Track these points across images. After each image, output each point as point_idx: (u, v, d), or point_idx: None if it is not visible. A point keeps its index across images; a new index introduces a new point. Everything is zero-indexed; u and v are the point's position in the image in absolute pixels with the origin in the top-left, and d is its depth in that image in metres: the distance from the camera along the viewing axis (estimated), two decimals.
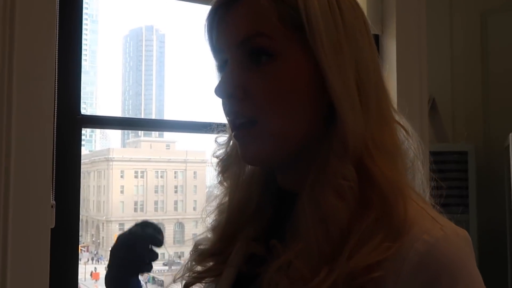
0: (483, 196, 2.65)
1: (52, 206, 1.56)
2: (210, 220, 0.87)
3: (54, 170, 1.57)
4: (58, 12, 1.57)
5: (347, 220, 0.65)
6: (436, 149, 2.50)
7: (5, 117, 1.46)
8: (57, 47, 1.57)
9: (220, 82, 0.72)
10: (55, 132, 1.56)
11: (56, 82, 1.56)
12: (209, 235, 0.86)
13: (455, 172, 2.63)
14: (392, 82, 2.14)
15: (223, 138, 0.85)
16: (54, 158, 1.56)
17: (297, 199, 0.70)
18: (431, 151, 2.28)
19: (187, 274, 0.84)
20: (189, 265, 0.84)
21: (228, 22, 0.72)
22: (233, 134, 0.74)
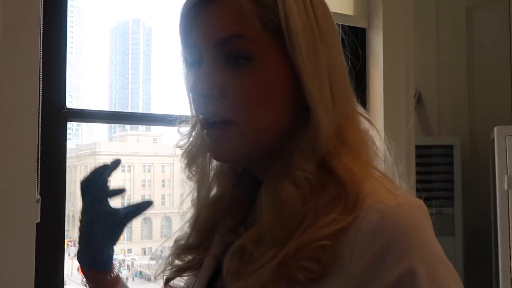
0: (469, 189, 2.68)
1: (37, 201, 1.55)
2: (189, 215, 0.87)
3: (39, 164, 1.56)
4: (42, 4, 1.56)
5: (302, 207, 0.67)
6: (422, 143, 2.52)
7: None
8: (41, 40, 1.55)
9: (196, 80, 0.72)
10: (40, 126, 1.55)
11: (41, 76, 1.55)
12: (188, 230, 0.86)
13: (441, 165, 2.65)
14: (379, 76, 2.15)
15: (185, 128, 0.85)
16: (39, 152, 1.55)
17: None
18: (417, 145, 2.32)
19: (168, 269, 0.85)
20: (169, 260, 0.85)
21: (206, 19, 0.72)
22: (204, 131, 0.74)
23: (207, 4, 0.71)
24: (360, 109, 0.80)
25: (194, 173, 0.84)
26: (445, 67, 2.81)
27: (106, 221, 0.91)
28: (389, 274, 0.61)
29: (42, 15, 1.55)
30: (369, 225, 0.63)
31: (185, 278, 0.86)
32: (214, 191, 0.85)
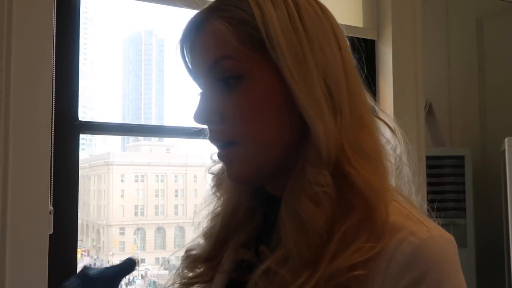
0: (480, 199, 2.67)
1: (50, 212, 1.57)
2: (203, 226, 0.88)
3: (52, 176, 1.58)
4: (55, 17, 1.59)
5: (326, 224, 0.66)
6: (433, 154, 2.52)
7: (2, 123, 1.47)
8: (54, 52, 1.58)
9: (196, 108, 0.74)
10: (53, 138, 1.57)
11: (54, 89, 1.58)
12: (201, 242, 0.87)
13: (452, 176, 2.64)
14: (389, 87, 2.16)
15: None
16: (52, 164, 1.58)
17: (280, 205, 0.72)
18: (428, 156, 2.32)
19: (178, 281, 0.85)
20: (180, 271, 0.86)
21: (196, 51, 0.74)
22: (217, 154, 0.76)
23: (194, 37, 0.74)
24: (382, 115, 0.78)
25: (221, 193, 0.86)
26: (456, 77, 2.81)
27: None
28: None
29: (55, 27, 1.58)
30: (402, 257, 0.63)
31: None
32: (228, 205, 0.85)
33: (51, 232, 1.57)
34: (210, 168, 0.87)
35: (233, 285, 0.78)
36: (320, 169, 0.68)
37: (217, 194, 0.86)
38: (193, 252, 0.86)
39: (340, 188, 0.68)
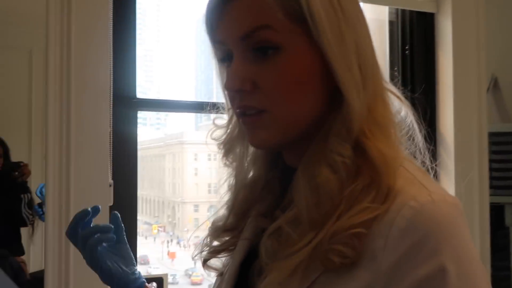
0: None
1: (110, 185, 1.65)
2: (226, 199, 0.91)
3: (111, 151, 1.66)
4: None
5: (338, 190, 0.68)
6: (498, 130, 2.43)
7: (64, 102, 1.56)
8: (111, 33, 1.65)
9: (228, 76, 0.74)
10: (111, 115, 1.65)
11: (112, 68, 1.65)
12: (224, 213, 0.90)
13: None
14: (448, 62, 2.10)
15: (221, 119, 0.88)
16: (111, 139, 1.66)
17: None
18: (492, 132, 2.24)
19: (205, 250, 0.89)
20: (206, 241, 0.89)
21: (231, 15, 0.73)
22: (241, 120, 0.77)
23: (229, 2, 0.73)
24: (389, 86, 0.80)
25: (231, 161, 0.87)
26: None
27: (111, 254, 0.98)
28: (419, 271, 0.62)
29: (112, 6, 1.65)
30: (402, 221, 0.64)
31: (223, 259, 0.90)
32: (249, 176, 0.88)
33: (111, 204, 1.65)
34: (212, 133, 0.88)
35: (255, 251, 0.81)
36: (344, 142, 0.71)
37: (230, 165, 0.88)
38: (218, 223, 0.89)
39: (355, 157, 0.70)
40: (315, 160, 0.71)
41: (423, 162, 0.82)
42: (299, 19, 0.71)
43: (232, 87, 0.73)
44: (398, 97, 0.80)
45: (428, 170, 0.80)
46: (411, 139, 0.81)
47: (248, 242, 0.84)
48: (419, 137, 0.81)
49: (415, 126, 0.81)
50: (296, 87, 0.72)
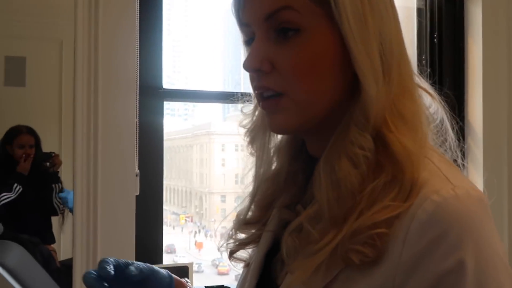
0: None
1: (136, 175, 1.67)
2: (249, 190, 0.90)
3: (138, 141, 1.67)
4: None
5: (360, 185, 0.67)
6: None
7: (92, 93, 1.58)
8: (138, 23, 1.66)
9: (248, 56, 0.73)
10: (138, 105, 1.66)
11: (139, 59, 1.66)
12: (247, 205, 0.89)
13: None
14: (478, 50, 2.06)
15: (248, 107, 0.88)
16: (138, 129, 1.67)
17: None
18: None
19: (231, 242, 0.88)
20: (231, 233, 0.88)
21: None
22: (260, 104, 0.76)
23: None
24: (421, 81, 0.79)
25: (255, 149, 0.87)
26: None
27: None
28: (439, 265, 0.62)
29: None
30: (423, 215, 0.63)
31: (249, 251, 0.89)
32: (273, 167, 0.86)
33: (138, 193, 1.67)
34: (241, 121, 0.87)
35: (279, 243, 0.81)
36: (364, 132, 0.69)
37: (252, 151, 0.87)
38: (241, 216, 0.88)
39: (377, 151, 0.69)
40: (336, 153, 0.70)
41: (454, 160, 0.80)
42: (321, 1, 0.70)
43: (250, 66, 0.73)
44: (429, 93, 0.79)
45: (458, 167, 0.78)
46: (442, 137, 0.79)
47: (272, 234, 0.83)
48: (451, 135, 0.80)
49: (447, 123, 0.80)
50: (314, 69, 0.71)
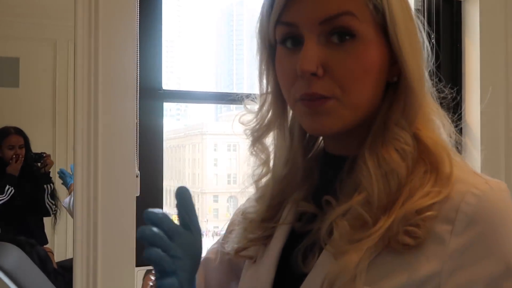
0: None
1: (136, 176, 1.67)
2: (252, 190, 0.90)
3: (138, 142, 1.67)
4: None
5: (406, 178, 0.72)
6: None
7: (92, 94, 1.57)
8: (138, 25, 1.66)
9: (302, 59, 0.72)
10: (138, 107, 1.66)
11: (138, 60, 1.66)
12: (256, 205, 0.88)
13: None
14: (475, 50, 2.07)
15: (252, 105, 0.87)
16: (138, 131, 1.67)
17: (347, 162, 0.77)
18: None
19: (243, 241, 0.86)
20: (241, 232, 0.87)
21: None
22: (299, 103, 0.75)
23: None
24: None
25: (261, 149, 0.86)
26: None
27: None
28: (486, 261, 0.67)
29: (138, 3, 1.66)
30: (468, 208, 0.68)
31: (252, 247, 0.87)
32: (283, 166, 0.86)
33: (138, 194, 1.67)
34: (241, 117, 0.87)
35: (295, 236, 0.81)
36: (406, 131, 0.75)
37: (258, 155, 0.87)
38: (250, 214, 0.88)
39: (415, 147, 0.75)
40: (383, 146, 0.74)
41: None
42: (377, 10, 0.73)
43: (308, 70, 0.71)
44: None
45: None
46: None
47: (288, 227, 0.84)
48: (451, 134, 0.83)
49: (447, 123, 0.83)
50: (366, 76, 0.74)
